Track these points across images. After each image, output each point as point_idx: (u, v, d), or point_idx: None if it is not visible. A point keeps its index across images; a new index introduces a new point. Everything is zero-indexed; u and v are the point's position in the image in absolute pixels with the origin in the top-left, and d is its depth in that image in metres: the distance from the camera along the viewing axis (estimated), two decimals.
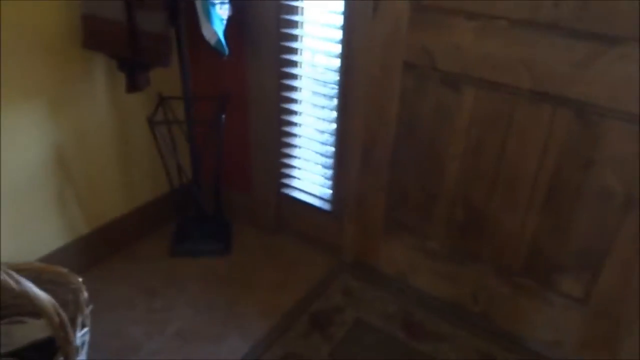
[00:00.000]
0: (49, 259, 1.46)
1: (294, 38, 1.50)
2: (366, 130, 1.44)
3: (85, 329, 1.13)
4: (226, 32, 1.37)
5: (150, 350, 1.36)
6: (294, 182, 1.74)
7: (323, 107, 1.57)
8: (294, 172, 1.73)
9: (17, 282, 0.95)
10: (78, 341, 1.08)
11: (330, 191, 1.67)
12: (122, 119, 1.59)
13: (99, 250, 1.65)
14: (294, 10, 1.46)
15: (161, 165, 1.62)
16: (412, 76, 1.30)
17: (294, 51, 1.52)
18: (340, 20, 1.37)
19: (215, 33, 1.31)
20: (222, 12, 1.34)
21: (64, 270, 1.25)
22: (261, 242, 1.79)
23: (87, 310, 1.16)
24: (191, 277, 1.62)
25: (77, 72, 1.42)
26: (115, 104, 1.54)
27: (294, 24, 1.47)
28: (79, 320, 1.12)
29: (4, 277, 0.94)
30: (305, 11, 1.47)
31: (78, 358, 1.08)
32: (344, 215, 1.63)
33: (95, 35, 1.32)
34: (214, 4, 1.30)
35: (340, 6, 1.35)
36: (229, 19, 1.39)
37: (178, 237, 1.74)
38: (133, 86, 1.42)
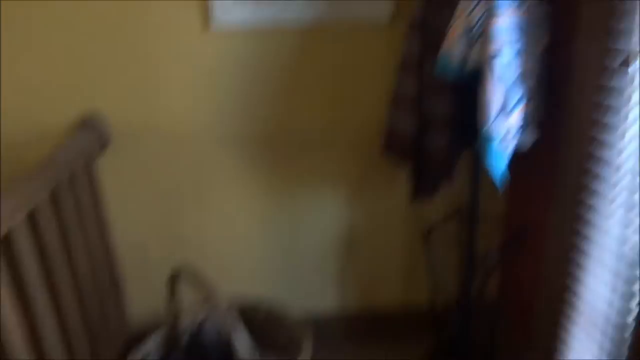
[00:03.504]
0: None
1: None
2: None
3: None
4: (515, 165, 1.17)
5: None
6: None
7: None
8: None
9: None
10: None
11: None
12: (413, 222, 1.72)
13: (359, 332, 1.81)
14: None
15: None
16: None
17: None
18: None
19: (491, 167, 1.15)
20: (505, 146, 1.16)
21: None
22: None
23: None
24: None
25: (381, 171, 1.65)
26: (407, 208, 1.71)
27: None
28: None
29: None
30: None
31: None
32: None
33: (391, 143, 1.49)
34: (492, 139, 1.13)
35: None
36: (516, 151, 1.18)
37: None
38: (414, 196, 1.51)
